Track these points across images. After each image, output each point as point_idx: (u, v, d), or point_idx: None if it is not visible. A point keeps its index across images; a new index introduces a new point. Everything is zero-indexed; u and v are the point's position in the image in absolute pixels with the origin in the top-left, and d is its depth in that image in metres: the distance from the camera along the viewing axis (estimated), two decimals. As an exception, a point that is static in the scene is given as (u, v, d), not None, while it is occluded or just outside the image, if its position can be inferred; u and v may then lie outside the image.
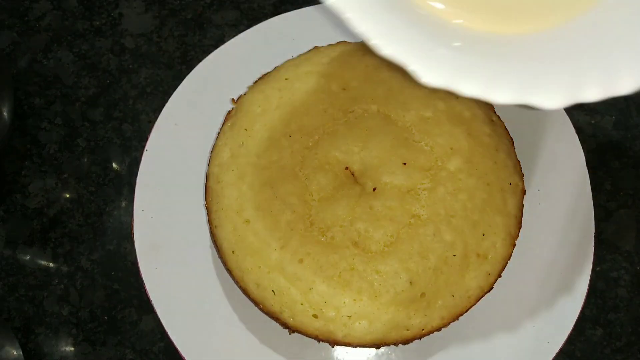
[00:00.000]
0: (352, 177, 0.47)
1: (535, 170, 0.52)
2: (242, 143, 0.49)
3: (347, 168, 0.47)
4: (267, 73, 0.53)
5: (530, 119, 0.54)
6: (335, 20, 0.57)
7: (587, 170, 0.51)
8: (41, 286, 0.52)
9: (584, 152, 0.52)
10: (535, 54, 0.33)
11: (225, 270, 0.48)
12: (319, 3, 0.60)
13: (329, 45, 0.53)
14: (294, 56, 0.54)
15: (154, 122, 0.53)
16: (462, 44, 0.33)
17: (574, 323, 0.47)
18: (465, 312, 0.45)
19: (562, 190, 0.51)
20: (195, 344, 0.47)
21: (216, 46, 0.58)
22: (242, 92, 0.53)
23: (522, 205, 0.48)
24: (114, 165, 0.56)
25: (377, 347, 0.46)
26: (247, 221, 0.46)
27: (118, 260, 0.53)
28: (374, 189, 0.45)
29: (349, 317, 0.43)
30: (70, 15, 0.62)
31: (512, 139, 0.50)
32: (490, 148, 0.48)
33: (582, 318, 0.51)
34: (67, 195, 0.55)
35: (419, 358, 0.47)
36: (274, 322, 0.46)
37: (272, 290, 0.44)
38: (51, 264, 0.53)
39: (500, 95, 0.30)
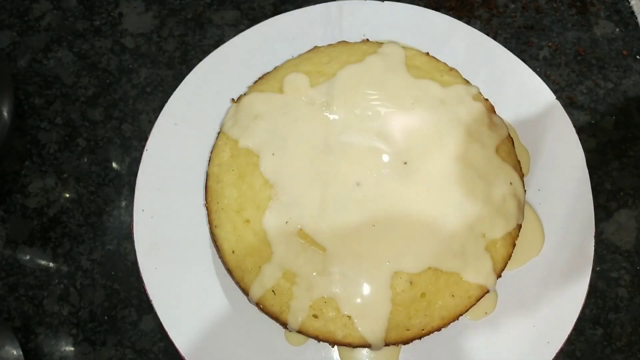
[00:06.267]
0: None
1: (535, 170, 0.52)
2: (242, 143, 0.49)
3: None
4: (267, 73, 0.53)
5: (531, 119, 0.54)
6: (335, 20, 0.57)
7: (587, 170, 0.51)
8: (41, 286, 0.52)
9: (584, 152, 0.52)
10: None
11: (225, 270, 0.48)
12: (319, 3, 0.60)
13: (329, 45, 0.53)
14: (294, 56, 0.54)
15: (154, 122, 0.53)
16: None
17: (574, 323, 0.47)
18: (466, 312, 0.45)
19: (562, 190, 0.51)
20: (195, 344, 0.47)
21: (216, 46, 0.57)
22: (242, 92, 0.53)
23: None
24: (114, 165, 0.56)
25: (377, 347, 0.46)
26: (247, 221, 0.46)
27: (118, 260, 0.53)
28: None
29: (349, 317, 0.43)
30: (70, 15, 0.62)
31: (512, 139, 0.50)
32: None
33: (582, 318, 0.51)
34: (67, 195, 0.55)
35: (419, 358, 0.47)
36: (274, 322, 0.46)
37: (272, 290, 0.44)
38: (51, 264, 0.53)
39: None
